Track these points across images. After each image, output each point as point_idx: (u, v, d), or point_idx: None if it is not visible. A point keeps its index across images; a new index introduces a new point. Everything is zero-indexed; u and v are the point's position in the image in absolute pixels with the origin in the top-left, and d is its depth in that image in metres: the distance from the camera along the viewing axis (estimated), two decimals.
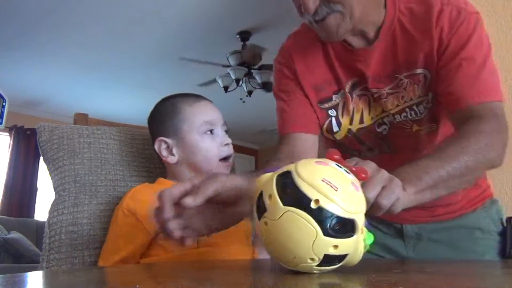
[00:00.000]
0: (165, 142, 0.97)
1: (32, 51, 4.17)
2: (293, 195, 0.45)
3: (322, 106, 0.95)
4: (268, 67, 4.15)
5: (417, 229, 1.01)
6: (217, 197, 0.60)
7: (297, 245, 0.44)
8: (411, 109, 0.89)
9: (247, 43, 4.02)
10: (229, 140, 1.00)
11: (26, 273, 0.49)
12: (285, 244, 0.45)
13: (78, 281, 0.45)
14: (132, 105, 5.66)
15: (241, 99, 4.74)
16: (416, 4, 0.87)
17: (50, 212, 0.98)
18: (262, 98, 5.00)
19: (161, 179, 0.99)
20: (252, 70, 4.20)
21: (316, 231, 0.43)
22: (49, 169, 1.02)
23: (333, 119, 0.95)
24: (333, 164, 0.49)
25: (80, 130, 1.04)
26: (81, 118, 1.14)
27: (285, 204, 0.44)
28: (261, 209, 0.47)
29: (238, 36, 3.97)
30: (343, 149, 0.99)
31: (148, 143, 1.11)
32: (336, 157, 0.51)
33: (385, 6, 0.87)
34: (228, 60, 4.13)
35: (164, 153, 0.98)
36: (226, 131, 1.02)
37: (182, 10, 3.49)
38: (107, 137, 1.06)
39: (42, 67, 4.53)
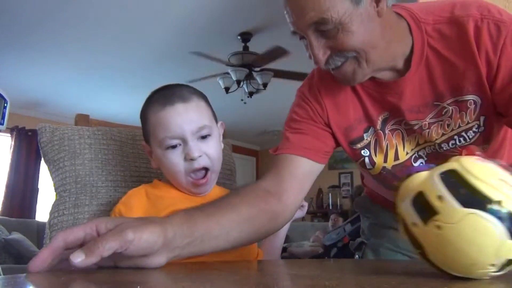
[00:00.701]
0: (147, 147, 0.95)
1: (33, 53, 4.18)
2: (472, 196, 0.42)
3: (354, 147, 0.91)
4: (269, 69, 4.16)
5: None
6: (123, 251, 0.52)
7: (479, 250, 0.41)
8: (459, 136, 0.84)
9: (248, 44, 4.03)
10: (195, 154, 0.85)
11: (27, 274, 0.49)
12: (464, 250, 0.42)
13: (79, 281, 0.45)
14: (133, 106, 5.65)
15: (242, 100, 4.74)
16: (445, 25, 0.79)
17: (51, 213, 0.98)
18: (263, 99, 5.01)
19: (155, 181, 0.97)
20: (253, 72, 4.21)
21: (503, 235, 0.40)
22: (50, 170, 1.02)
23: (366, 159, 0.91)
24: (490, 161, 0.45)
25: (81, 131, 1.04)
26: (82, 119, 1.15)
27: (464, 206, 0.41)
28: (426, 212, 0.43)
29: (239, 37, 3.98)
30: (381, 183, 0.96)
31: None
32: (478, 153, 0.47)
33: (410, 31, 0.80)
34: (229, 61, 4.14)
35: (149, 156, 0.96)
36: (205, 136, 0.88)
37: (183, 12, 3.49)
38: (108, 138, 1.06)
39: (44, 68, 4.53)
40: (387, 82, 0.84)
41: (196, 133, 0.87)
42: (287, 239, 5.41)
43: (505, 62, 0.75)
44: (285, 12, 0.78)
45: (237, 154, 7.27)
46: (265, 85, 4.27)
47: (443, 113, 0.83)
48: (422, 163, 0.89)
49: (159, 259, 0.57)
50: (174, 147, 0.87)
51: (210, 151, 0.88)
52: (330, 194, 7.25)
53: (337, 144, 0.93)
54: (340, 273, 0.47)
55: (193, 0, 3.33)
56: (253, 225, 0.77)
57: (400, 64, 0.82)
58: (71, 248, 0.52)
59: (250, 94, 4.48)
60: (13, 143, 5.59)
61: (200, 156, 0.87)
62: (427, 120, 0.84)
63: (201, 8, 3.45)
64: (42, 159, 1.03)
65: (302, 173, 0.87)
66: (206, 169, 0.89)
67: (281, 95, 4.18)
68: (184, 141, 0.86)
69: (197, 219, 0.66)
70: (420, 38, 0.80)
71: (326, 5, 0.72)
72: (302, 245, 5.10)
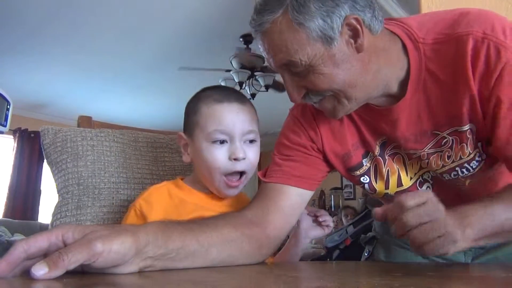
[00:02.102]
0: (184, 139, 0.93)
1: (36, 55, 4.19)
2: None
3: (353, 174, 0.86)
4: (271, 69, 4.16)
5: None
6: (91, 263, 0.49)
7: None
8: (462, 167, 0.77)
9: (250, 46, 4.03)
10: (241, 155, 0.85)
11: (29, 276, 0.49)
12: None
13: (81, 283, 0.45)
14: (136, 108, 5.67)
15: None
16: (443, 44, 0.71)
17: (54, 214, 0.98)
18: (265, 101, 5.00)
19: (179, 180, 0.95)
20: (255, 73, 4.21)
21: None
22: (52, 171, 1.02)
23: (366, 185, 0.86)
24: None
25: (84, 133, 1.05)
26: (85, 121, 1.15)
27: None
28: None
29: (241, 39, 3.98)
30: (386, 202, 0.92)
31: (152, 146, 1.12)
32: None
33: (406, 52, 0.73)
34: (231, 63, 4.14)
35: (182, 149, 0.94)
36: (251, 141, 0.90)
37: (185, 14, 3.50)
38: (110, 139, 1.06)
39: (47, 70, 4.55)
40: (381, 108, 0.78)
41: (244, 135, 0.88)
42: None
43: (497, 94, 0.67)
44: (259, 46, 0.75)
45: None
46: (267, 87, 4.27)
47: (442, 143, 0.77)
48: (428, 187, 0.83)
49: (130, 268, 0.54)
50: (221, 142, 0.86)
51: (252, 156, 0.89)
52: (332, 196, 7.25)
53: (331, 168, 0.89)
54: (342, 275, 0.47)
55: (194, 2, 3.34)
56: (234, 247, 0.72)
57: (394, 89, 0.76)
58: (33, 258, 0.48)
59: (253, 95, 4.48)
60: (16, 144, 5.61)
61: (243, 159, 0.87)
62: (426, 150, 0.78)
63: (202, 10, 3.46)
64: (45, 160, 1.04)
65: (289, 205, 0.83)
66: (241, 173, 0.89)
67: (283, 97, 4.17)
68: (232, 139, 0.86)
69: (174, 232, 0.62)
70: (417, 61, 0.72)
71: (294, 48, 0.68)
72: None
